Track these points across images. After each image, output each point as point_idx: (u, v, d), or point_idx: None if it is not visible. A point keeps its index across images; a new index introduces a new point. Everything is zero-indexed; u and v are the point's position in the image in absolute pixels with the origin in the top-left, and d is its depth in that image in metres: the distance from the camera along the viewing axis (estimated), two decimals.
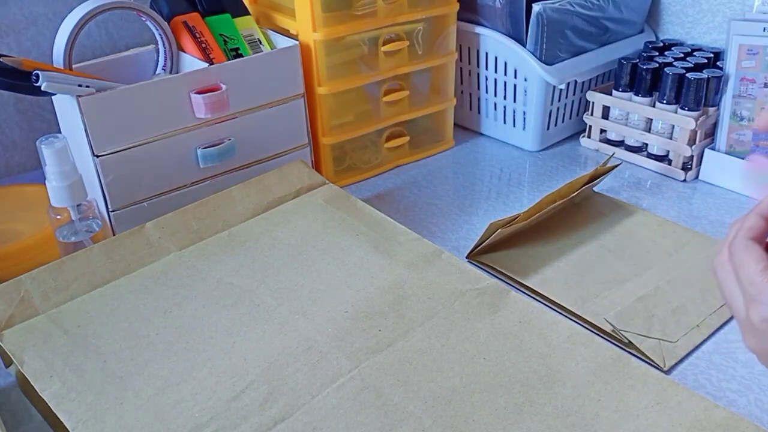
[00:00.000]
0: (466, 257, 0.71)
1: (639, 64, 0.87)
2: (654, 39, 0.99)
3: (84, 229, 0.64)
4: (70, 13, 0.68)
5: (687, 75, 0.82)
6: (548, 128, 0.94)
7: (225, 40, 0.77)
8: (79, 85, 0.65)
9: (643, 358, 0.57)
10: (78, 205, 0.63)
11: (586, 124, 0.94)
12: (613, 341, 0.59)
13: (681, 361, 0.58)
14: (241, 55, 0.77)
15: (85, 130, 0.65)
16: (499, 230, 0.67)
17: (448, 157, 0.94)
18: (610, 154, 0.84)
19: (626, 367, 0.52)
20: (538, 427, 0.47)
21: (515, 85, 0.92)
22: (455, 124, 0.97)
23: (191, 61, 0.75)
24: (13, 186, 0.83)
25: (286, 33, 0.81)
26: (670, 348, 0.58)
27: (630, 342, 0.58)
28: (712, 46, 0.94)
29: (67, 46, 0.68)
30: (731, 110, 0.81)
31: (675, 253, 0.70)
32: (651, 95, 0.87)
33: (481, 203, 0.82)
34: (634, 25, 0.98)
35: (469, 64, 0.96)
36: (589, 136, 0.94)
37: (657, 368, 0.56)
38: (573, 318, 0.62)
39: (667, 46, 0.94)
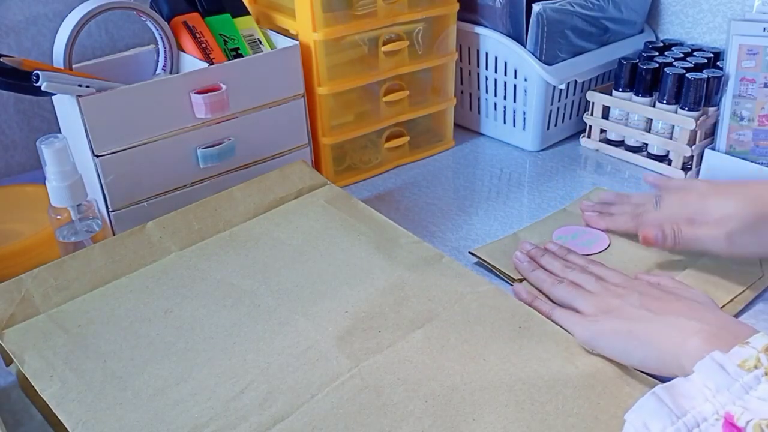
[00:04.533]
0: (470, 252, 0.71)
1: (639, 64, 0.87)
2: (654, 39, 0.99)
3: (84, 229, 0.64)
4: (70, 13, 0.68)
5: (687, 75, 0.82)
6: (548, 128, 0.94)
7: (225, 40, 0.77)
8: (79, 85, 0.65)
9: None
10: (78, 205, 0.63)
11: (586, 124, 0.94)
12: None
13: None
14: (241, 55, 0.77)
15: (85, 130, 0.65)
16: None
17: (448, 157, 0.94)
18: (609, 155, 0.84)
19: (626, 371, 0.52)
20: (539, 427, 0.47)
21: (515, 85, 0.92)
22: (455, 124, 0.97)
23: (191, 61, 0.75)
24: (13, 186, 0.83)
25: (286, 33, 0.81)
26: None
27: None
28: (712, 46, 0.94)
29: (67, 46, 0.68)
30: (731, 110, 0.81)
31: (675, 253, 0.70)
32: (651, 95, 0.87)
33: (481, 203, 0.82)
34: (634, 25, 0.98)
35: (469, 64, 0.96)
36: (589, 136, 0.94)
37: None
38: None
39: (667, 46, 0.94)
